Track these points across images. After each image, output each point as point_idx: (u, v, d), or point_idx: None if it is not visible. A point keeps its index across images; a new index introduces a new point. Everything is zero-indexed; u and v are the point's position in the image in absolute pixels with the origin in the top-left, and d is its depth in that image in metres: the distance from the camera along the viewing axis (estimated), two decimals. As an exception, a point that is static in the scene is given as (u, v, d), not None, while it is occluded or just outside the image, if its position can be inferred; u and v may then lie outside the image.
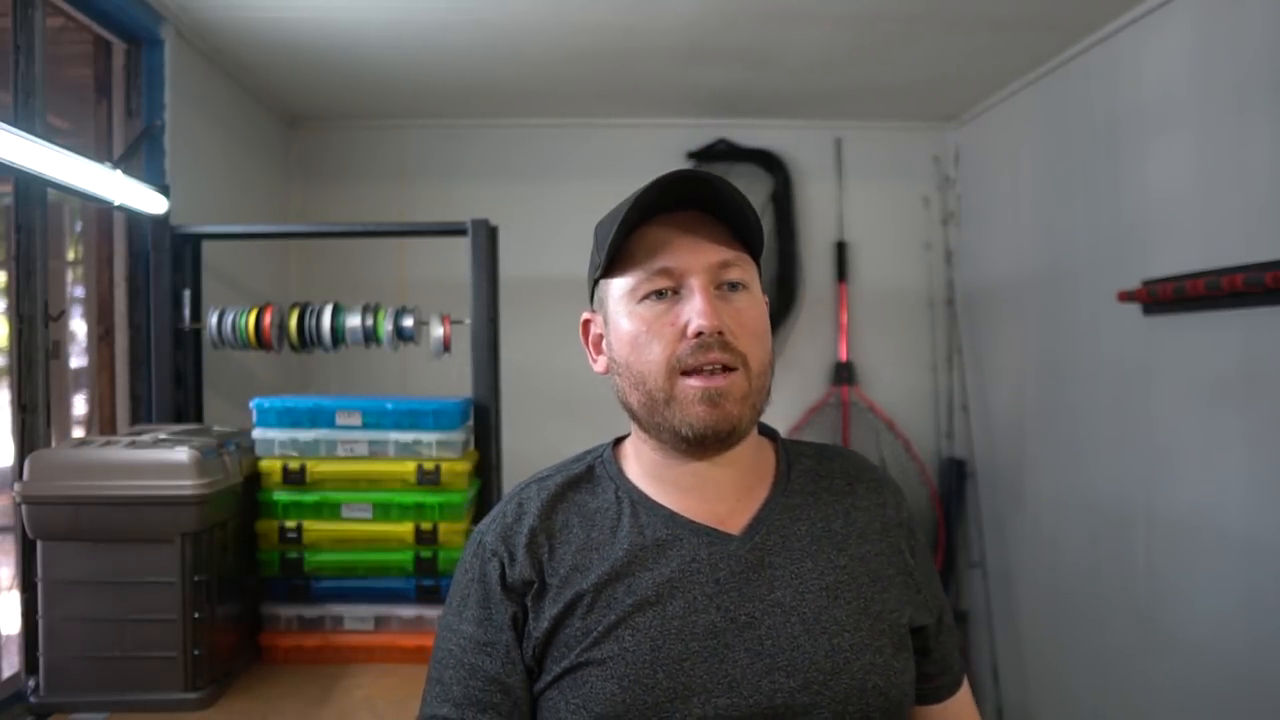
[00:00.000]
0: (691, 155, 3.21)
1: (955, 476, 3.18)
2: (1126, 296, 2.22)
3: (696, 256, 0.85)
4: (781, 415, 3.24)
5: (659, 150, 3.18)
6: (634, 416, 0.90)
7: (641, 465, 0.92)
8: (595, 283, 0.92)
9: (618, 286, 0.88)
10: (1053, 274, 2.69)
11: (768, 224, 3.22)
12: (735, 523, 0.88)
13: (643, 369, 0.86)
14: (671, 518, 0.88)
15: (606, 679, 0.82)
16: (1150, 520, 2.23)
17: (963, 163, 3.24)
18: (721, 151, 3.22)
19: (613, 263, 0.88)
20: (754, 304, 0.88)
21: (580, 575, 0.86)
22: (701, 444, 0.86)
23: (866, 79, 2.80)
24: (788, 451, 0.96)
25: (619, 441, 0.97)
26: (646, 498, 0.90)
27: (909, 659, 0.88)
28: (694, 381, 0.84)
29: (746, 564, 0.86)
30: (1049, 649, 2.74)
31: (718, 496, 0.89)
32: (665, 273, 0.85)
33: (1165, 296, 2.08)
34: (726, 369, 0.84)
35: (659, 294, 0.85)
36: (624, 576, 0.85)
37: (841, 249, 3.28)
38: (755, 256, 0.91)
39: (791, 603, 0.84)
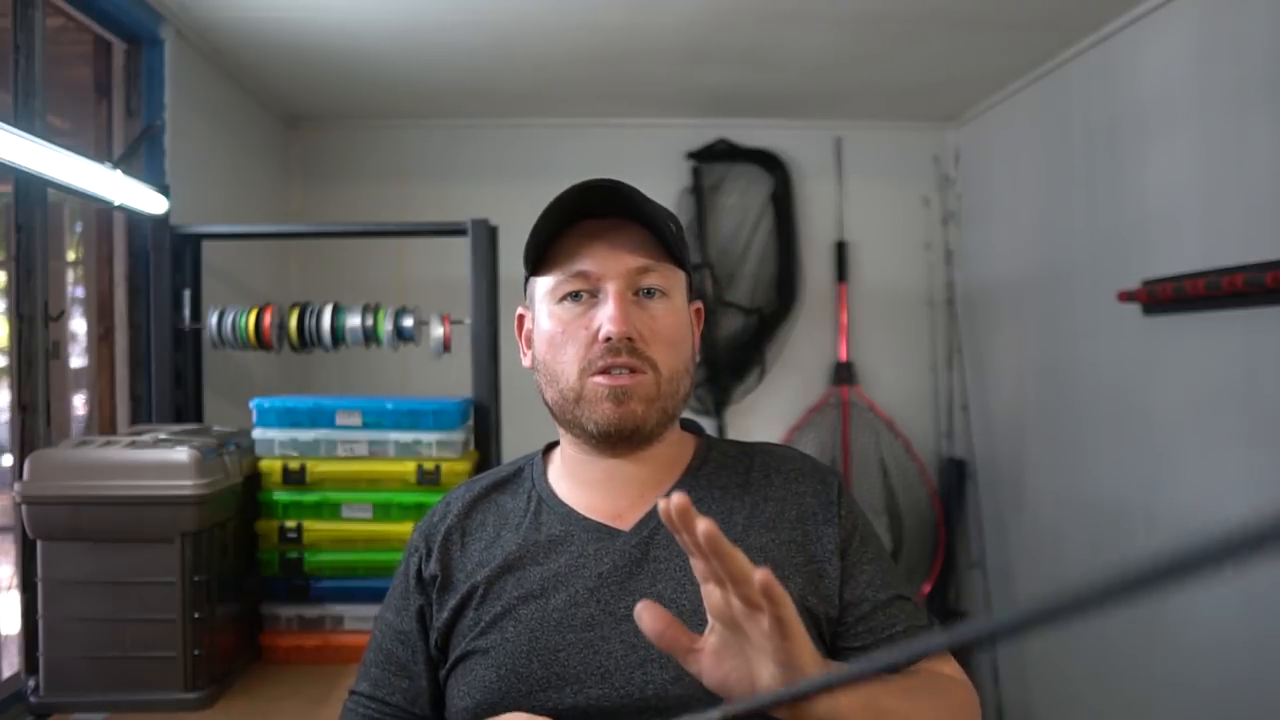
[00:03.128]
0: (691, 155, 3.21)
1: (955, 476, 3.18)
2: (1126, 296, 2.22)
3: (614, 262, 0.88)
4: (781, 415, 3.24)
5: (659, 150, 3.18)
6: (551, 413, 0.94)
7: (563, 464, 0.97)
8: (528, 279, 0.96)
9: (541, 285, 0.92)
10: (1053, 274, 2.69)
11: (767, 224, 3.22)
12: (629, 518, 0.91)
13: (557, 368, 0.90)
14: (568, 515, 0.92)
15: (488, 667, 0.85)
16: (1150, 520, 2.23)
17: (963, 163, 3.24)
18: (721, 151, 3.21)
19: (541, 262, 0.92)
20: (671, 312, 0.91)
21: (480, 569, 0.91)
22: (608, 440, 0.89)
23: (867, 79, 2.80)
24: (709, 448, 0.98)
25: (554, 445, 1.01)
26: (553, 496, 0.95)
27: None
28: (601, 380, 0.87)
29: (630, 558, 0.88)
30: (1049, 649, 2.74)
31: (621, 493, 0.93)
32: (582, 275, 0.88)
33: (1165, 296, 2.08)
34: (634, 371, 0.87)
35: (575, 296, 0.89)
36: (514, 570, 0.89)
37: (841, 249, 3.28)
38: (684, 267, 0.93)
39: (671, 595, 0.85)
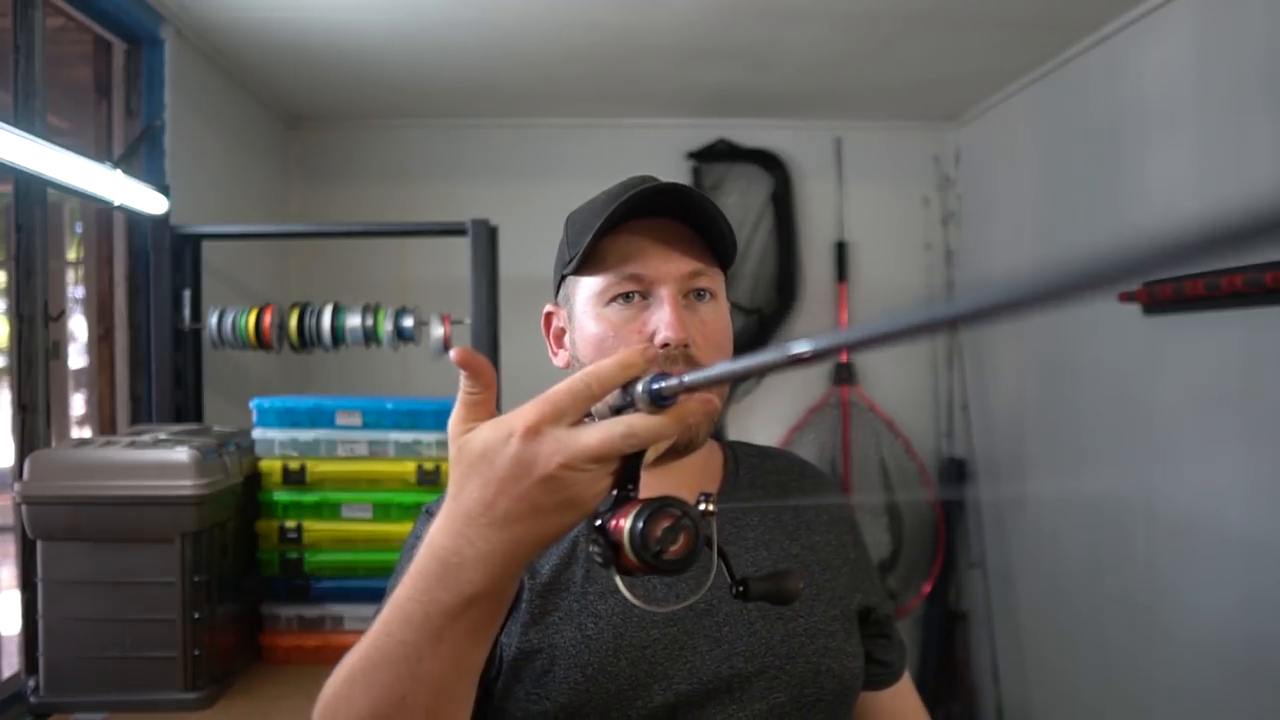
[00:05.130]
0: (691, 155, 3.21)
1: (955, 476, 3.18)
2: (1127, 297, 2.22)
3: (668, 265, 0.85)
4: (781, 415, 3.24)
5: (659, 150, 3.18)
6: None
7: None
8: (563, 277, 0.92)
9: (586, 286, 0.88)
10: (1053, 274, 2.68)
11: (768, 224, 3.22)
12: None
13: None
14: None
15: (570, 667, 0.81)
16: (1150, 519, 2.23)
17: (963, 163, 3.24)
18: (721, 151, 3.21)
19: (583, 262, 0.88)
20: (719, 315, 0.89)
21: (538, 557, 0.84)
22: (662, 454, 0.87)
23: (866, 79, 2.80)
24: (734, 451, 1.00)
25: None
26: None
27: (859, 644, 0.92)
28: None
29: None
30: (1049, 648, 2.74)
31: (673, 491, 0.90)
32: (635, 279, 0.85)
33: (1165, 296, 2.08)
34: None
35: (626, 297, 0.86)
36: (577, 562, 0.85)
37: (841, 249, 3.27)
38: (725, 267, 0.92)
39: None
